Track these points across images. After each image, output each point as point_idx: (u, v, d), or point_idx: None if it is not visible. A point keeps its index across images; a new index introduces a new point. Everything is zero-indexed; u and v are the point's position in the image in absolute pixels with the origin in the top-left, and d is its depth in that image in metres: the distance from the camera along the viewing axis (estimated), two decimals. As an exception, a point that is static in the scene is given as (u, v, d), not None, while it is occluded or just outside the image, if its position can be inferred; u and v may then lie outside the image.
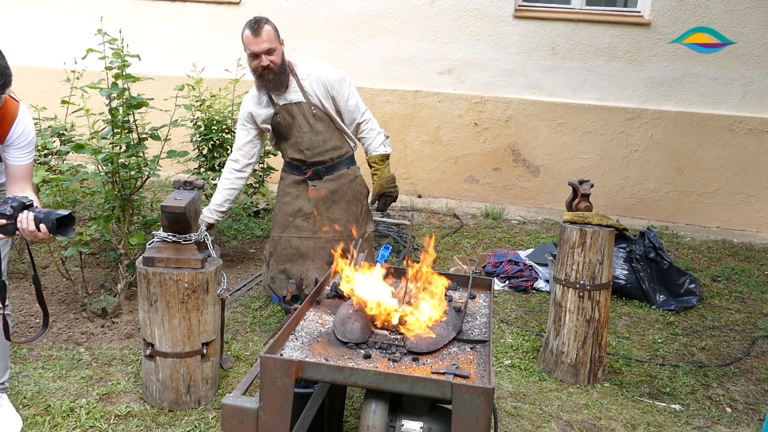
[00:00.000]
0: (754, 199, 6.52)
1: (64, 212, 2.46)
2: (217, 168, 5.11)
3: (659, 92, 6.55)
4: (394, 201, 3.75)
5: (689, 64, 6.44)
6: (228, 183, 3.73)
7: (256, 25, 3.36)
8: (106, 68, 3.95)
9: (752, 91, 6.41)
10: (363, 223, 3.79)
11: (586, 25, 6.55)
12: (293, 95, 3.52)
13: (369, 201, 3.79)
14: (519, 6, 6.71)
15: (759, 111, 6.42)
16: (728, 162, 6.51)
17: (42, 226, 2.43)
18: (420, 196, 6.95)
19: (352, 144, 3.73)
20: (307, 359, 1.98)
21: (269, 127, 3.61)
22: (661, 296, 4.77)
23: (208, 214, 3.73)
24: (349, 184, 3.71)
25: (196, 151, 5.13)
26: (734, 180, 6.53)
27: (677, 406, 3.44)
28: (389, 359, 2.07)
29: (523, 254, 5.28)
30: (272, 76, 3.42)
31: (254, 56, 3.38)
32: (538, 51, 6.66)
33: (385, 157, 3.66)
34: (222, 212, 3.77)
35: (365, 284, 2.29)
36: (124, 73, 3.92)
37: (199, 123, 5.09)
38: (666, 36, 6.42)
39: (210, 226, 3.77)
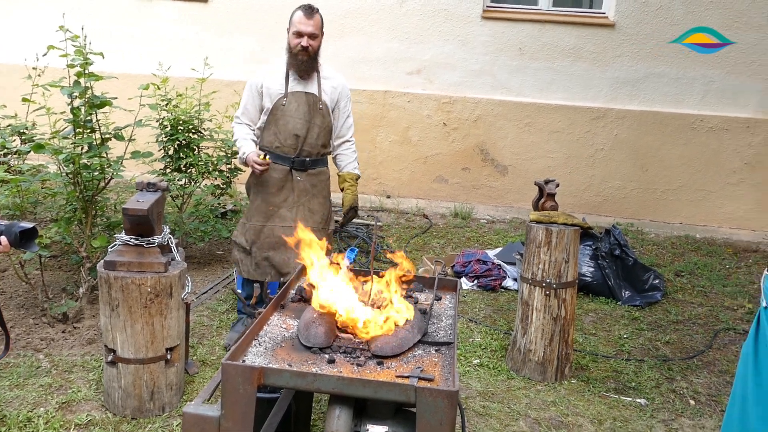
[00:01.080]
0: (715, 195, 6.66)
1: (28, 225, 2.38)
2: (183, 169, 5.03)
3: (623, 92, 6.64)
4: (355, 217, 3.94)
5: (652, 64, 6.54)
6: (246, 135, 3.72)
7: (310, 9, 3.59)
8: (68, 66, 3.86)
9: (712, 91, 6.54)
10: (331, 220, 3.94)
11: (552, 26, 6.61)
12: (309, 86, 3.68)
13: (342, 213, 3.90)
14: (487, 7, 6.74)
15: (719, 110, 6.56)
16: (690, 159, 6.63)
17: (3, 239, 2.35)
18: (389, 197, 6.94)
19: (330, 149, 3.89)
20: (270, 365, 1.96)
21: (269, 106, 3.64)
22: (627, 292, 4.84)
23: (249, 149, 3.64)
24: (326, 181, 3.86)
25: (162, 151, 5.04)
26: (696, 177, 6.66)
27: (642, 401, 3.50)
28: (354, 363, 2.06)
29: (491, 253, 5.31)
30: (306, 58, 3.60)
31: (298, 35, 3.56)
32: (505, 51, 6.70)
33: (358, 177, 3.90)
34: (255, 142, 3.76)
35: (330, 288, 2.27)
36: (86, 72, 3.83)
37: (165, 123, 5.00)
38: (630, 37, 6.51)
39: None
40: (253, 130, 3.77)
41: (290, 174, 3.70)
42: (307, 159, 3.72)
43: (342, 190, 3.85)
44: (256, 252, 3.75)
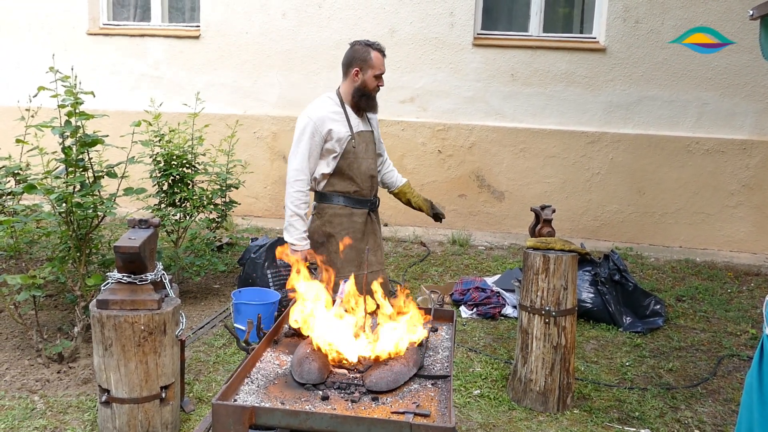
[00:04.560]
0: (714, 218, 6.63)
1: None
2: (177, 203, 5.02)
3: (617, 115, 6.67)
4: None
5: (645, 87, 6.58)
6: (305, 206, 3.45)
7: (382, 49, 3.52)
8: (59, 106, 3.87)
9: (707, 113, 6.56)
10: None
11: (543, 52, 6.66)
12: (363, 124, 3.59)
13: (435, 212, 3.86)
14: (477, 34, 6.80)
15: (714, 132, 6.57)
16: (687, 182, 6.62)
17: None
18: (386, 225, 6.92)
19: None
20: (261, 404, 1.92)
21: (339, 151, 3.45)
22: (628, 318, 4.78)
23: (305, 243, 3.43)
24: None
25: (156, 186, 5.04)
26: (694, 200, 6.64)
27: (646, 431, 3.42)
28: (348, 400, 2.01)
29: (490, 281, 5.26)
30: (375, 97, 3.58)
31: (378, 77, 3.49)
32: (498, 78, 6.74)
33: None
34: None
35: (323, 322, 2.24)
36: (77, 111, 3.84)
37: (158, 158, 5.00)
38: (621, 60, 6.56)
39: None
40: (307, 187, 3.49)
41: (369, 216, 3.61)
42: (376, 199, 3.67)
43: (408, 202, 3.85)
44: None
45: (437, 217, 3.84)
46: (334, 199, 3.52)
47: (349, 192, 3.51)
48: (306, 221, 3.47)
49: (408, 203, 3.87)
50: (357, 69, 3.45)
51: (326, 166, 3.48)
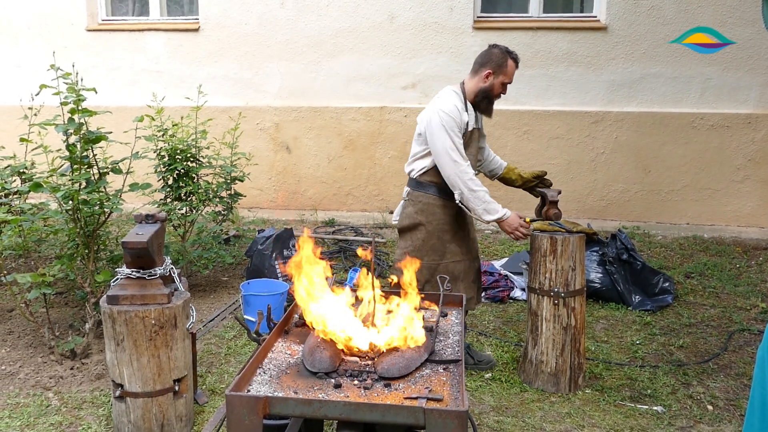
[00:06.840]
0: (720, 194, 6.61)
1: None
2: (183, 197, 5.03)
3: (621, 94, 6.62)
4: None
5: (647, 65, 6.53)
6: (480, 184, 3.57)
7: (518, 60, 3.56)
8: (62, 104, 3.87)
9: (710, 88, 6.51)
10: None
11: (544, 33, 6.61)
12: (478, 122, 3.68)
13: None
14: (477, 17, 6.76)
15: (718, 107, 6.53)
16: (693, 158, 6.59)
17: None
18: (391, 212, 6.91)
19: None
20: (275, 394, 1.93)
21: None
22: (637, 297, 4.78)
23: (506, 210, 3.61)
24: None
25: (161, 181, 5.04)
26: (700, 176, 6.61)
27: (659, 408, 3.43)
28: (360, 387, 2.02)
29: (497, 264, 5.27)
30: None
31: (505, 86, 3.56)
32: (499, 60, 6.69)
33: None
34: None
35: (328, 313, 2.25)
36: (79, 108, 3.84)
37: (162, 153, 5.00)
38: (623, 38, 6.51)
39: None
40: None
41: (461, 208, 3.64)
42: None
43: (518, 181, 3.92)
44: (430, 290, 3.54)
45: (544, 182, 3.87)
46: (428, 188, 3.63)
47: (444, 183, 3.57)
48: (486, 191, 3.56)
49: (519, 177, 3.90)
50: (490, 72, 3.51)
51: (429, 156, 3.59)
